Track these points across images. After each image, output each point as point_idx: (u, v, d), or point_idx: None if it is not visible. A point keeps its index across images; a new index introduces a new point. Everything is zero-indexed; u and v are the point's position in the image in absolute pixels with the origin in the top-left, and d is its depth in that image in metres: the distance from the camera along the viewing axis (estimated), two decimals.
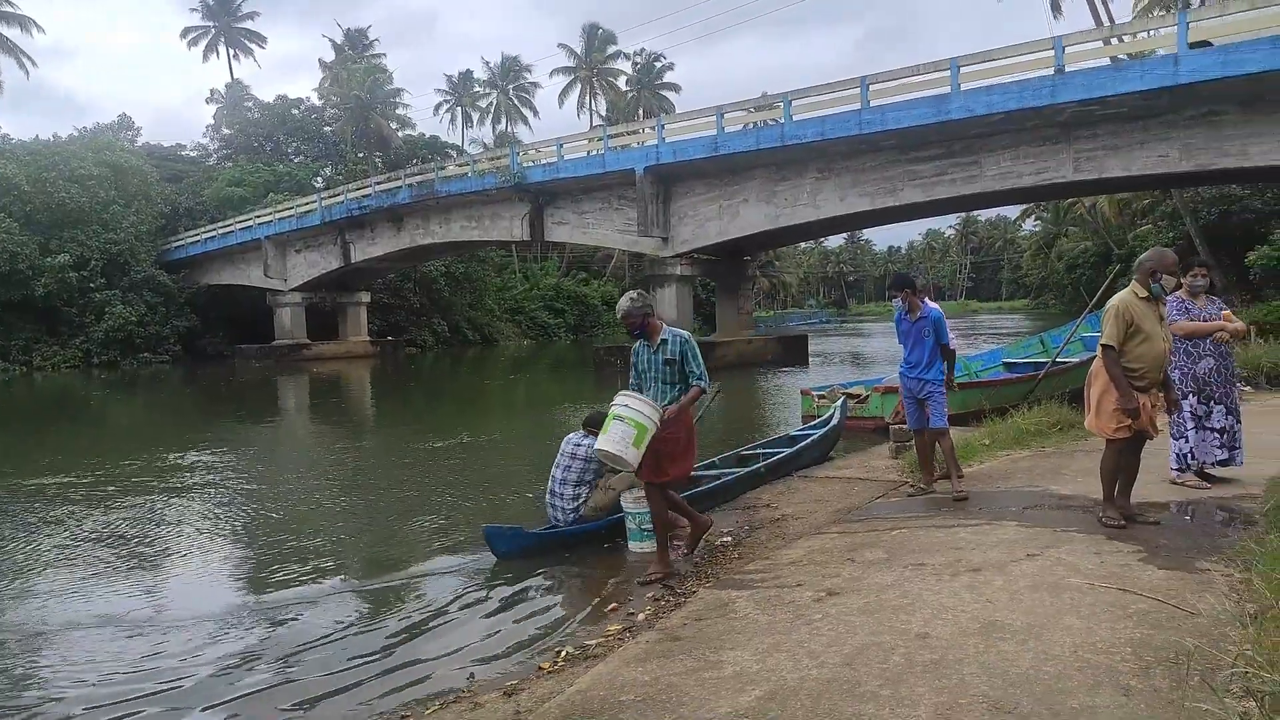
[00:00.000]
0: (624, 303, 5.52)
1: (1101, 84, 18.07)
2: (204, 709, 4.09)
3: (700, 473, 7.49)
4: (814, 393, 12.50)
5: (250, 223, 39.90)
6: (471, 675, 4.15)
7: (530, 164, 29.20)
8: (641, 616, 4.56)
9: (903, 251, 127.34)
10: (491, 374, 30.72)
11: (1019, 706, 2.88)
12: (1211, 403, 6.29)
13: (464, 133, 70.90)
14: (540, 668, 4.04)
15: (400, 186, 33.56)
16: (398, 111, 59.96)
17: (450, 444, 12.96)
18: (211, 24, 59.99)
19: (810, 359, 28.28)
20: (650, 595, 4.99)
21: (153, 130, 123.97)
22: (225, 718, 4.03)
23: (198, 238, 42.14)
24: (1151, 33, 19.70)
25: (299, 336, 40.53)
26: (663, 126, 25.75)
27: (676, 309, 26.32)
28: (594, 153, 27.82)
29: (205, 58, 60.95)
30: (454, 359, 40.52)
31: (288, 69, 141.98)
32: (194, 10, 59.57)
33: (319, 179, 50.24)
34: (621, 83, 69.81)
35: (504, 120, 70.56)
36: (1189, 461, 6.30)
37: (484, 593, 5.58)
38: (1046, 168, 20.29)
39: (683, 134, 25.19)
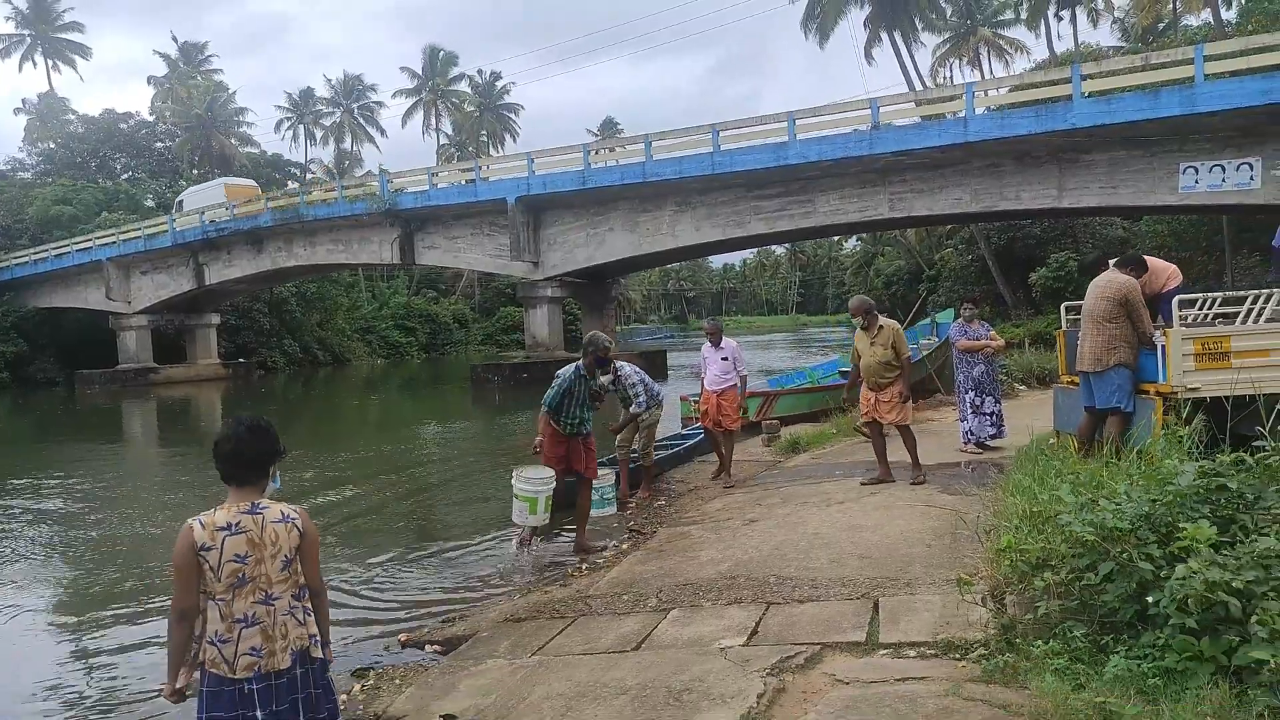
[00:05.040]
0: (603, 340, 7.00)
1: (909, 139, 21.77)
2: None
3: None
4: (690, 399, 14.89)
5: (90, 244, 38.27)
6: (530, 580, 6.13)
7: (401, 190, 30.38)
8: (625, 546, 6.67)
9: (738, 269, 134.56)
10: (356, 394, 31.48)
11: (873, 555, 5.26)
12: (985, 396, 9.10)
13: (307, 151, 69.90)
14: (571, 574, 6.07)
15: (262, 209, 33.67)
16: (240, 130, 58.68)
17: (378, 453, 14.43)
18: (27, 33, 56.40)
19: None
20: (625, 537, 7.09)
21: None
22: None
23: (25, 259, 39.92)
24: (949, 98, 23.69)
25: (146, 360, 39.22)
26: (533, 160, 27.71)
27: (548, 328, 28.35)
28: (464, 181, 29.43)
29: (20, 68, 57.43)
30: (307, 380, 40.50)
31: (117, 80, 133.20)
32: (8, 18, 56.02)
33: (150, 197, 48.22)
34: (465, 104, 70.52)
35: (349, 139, 70.08)
36: (970, 437, 9.08)
37: (491, 546, 7.50)
38: (868, 206, 23.88)
39: (552, 167, 27.26)
